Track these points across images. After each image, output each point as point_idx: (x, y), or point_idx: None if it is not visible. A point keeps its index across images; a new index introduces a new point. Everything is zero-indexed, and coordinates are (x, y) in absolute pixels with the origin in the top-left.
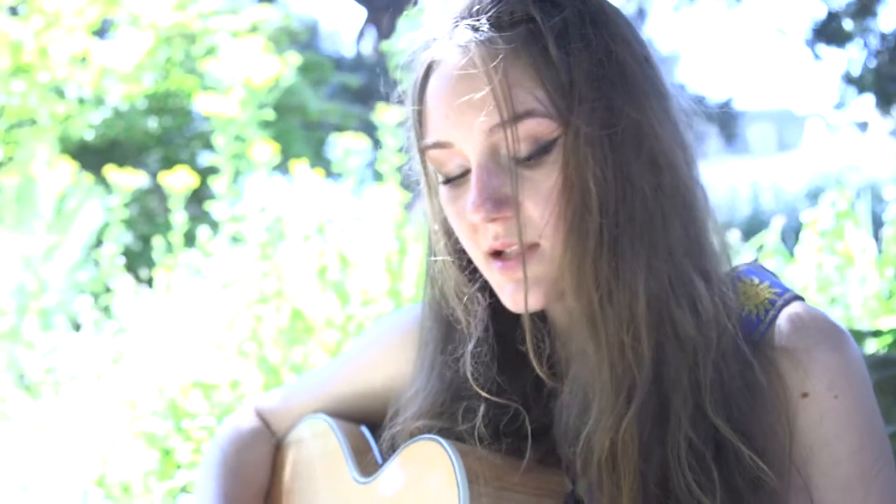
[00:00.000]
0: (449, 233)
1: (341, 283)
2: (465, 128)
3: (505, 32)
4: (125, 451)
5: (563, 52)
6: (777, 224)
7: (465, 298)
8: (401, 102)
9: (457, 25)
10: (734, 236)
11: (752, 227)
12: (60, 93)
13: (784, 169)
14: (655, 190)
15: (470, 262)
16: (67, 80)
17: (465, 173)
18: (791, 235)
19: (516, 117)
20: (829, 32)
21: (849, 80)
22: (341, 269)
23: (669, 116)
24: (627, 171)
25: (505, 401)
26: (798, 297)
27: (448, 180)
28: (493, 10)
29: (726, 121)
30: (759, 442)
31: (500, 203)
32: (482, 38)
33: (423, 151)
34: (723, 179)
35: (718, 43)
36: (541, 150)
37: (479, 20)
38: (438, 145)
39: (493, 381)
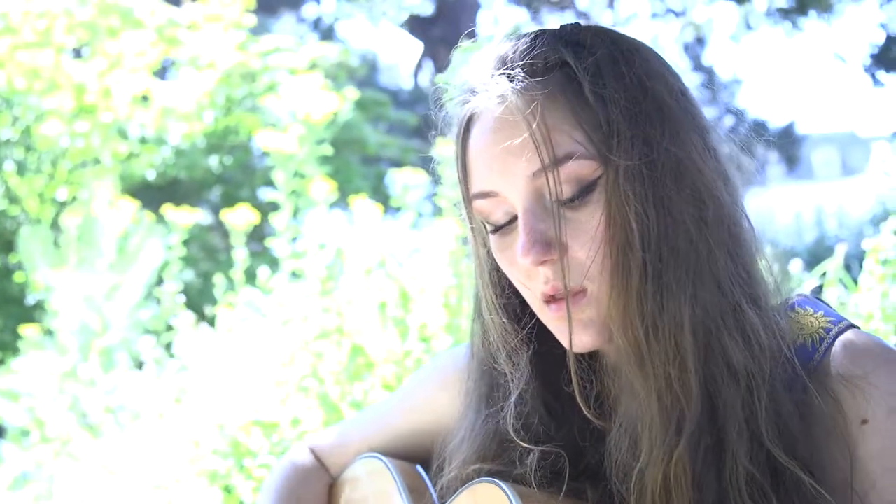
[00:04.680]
0: (494, 283)
1: (402, 319)
2: (509, 175)
3: (540, 78)
4: (187, 489)
5: (598, 92)
6: (840, 251)
7: (509, 350)
8: (444, 134)
9: (493, 76)
10: (796, 265)
11: (817, 254)
12: (123, 133)
13: (849, 193)
14: (699, 222)
15: (515, 312)
16: (129, 119)
17: (512, 221)
18: (855, 263)
19: (557, 160)
20: (888, 59)
21: None
22: (401, 305)
23: (709, 149)
24: (669, 206)
25: (553, 448)
26: (853, 326)
27: (496, 229)
28: (526, 59)
29: (788, 145)
30: (820, 471)
31: (549, 246)
32: (518, 86)
33: (469, 203)
34: (786, 205)
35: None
36: (584, 191)
37: (513, 69)
38: (484, 195)
39: (537, 431)
